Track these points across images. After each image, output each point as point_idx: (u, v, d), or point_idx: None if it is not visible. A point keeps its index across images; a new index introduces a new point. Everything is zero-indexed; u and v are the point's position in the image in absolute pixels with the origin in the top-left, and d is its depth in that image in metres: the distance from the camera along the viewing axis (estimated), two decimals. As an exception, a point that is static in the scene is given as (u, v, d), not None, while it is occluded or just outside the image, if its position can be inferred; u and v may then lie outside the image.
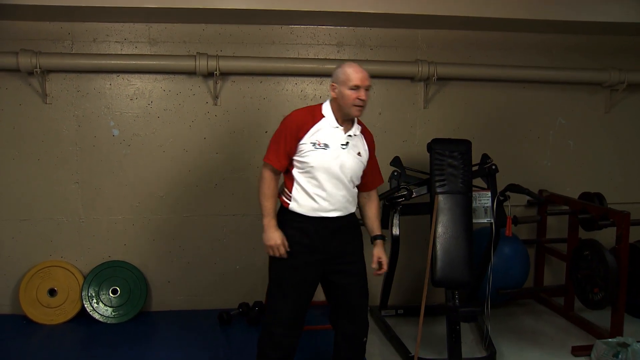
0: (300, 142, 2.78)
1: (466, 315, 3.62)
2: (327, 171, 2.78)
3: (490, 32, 4.57)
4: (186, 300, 4.50)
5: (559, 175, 4.84)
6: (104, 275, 4.29)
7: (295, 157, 2.81)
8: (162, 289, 4.48)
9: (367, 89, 2.77)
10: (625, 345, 3.55)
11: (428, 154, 3.88)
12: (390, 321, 4.27)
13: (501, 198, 3.92)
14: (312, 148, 2.76)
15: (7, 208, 4.24)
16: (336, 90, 2.80)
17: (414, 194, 3.89)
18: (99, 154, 4.28)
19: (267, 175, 2.86)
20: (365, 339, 3.05)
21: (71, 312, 4.25)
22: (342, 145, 2.81)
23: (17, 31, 4.07)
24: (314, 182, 2.80)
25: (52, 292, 4.24)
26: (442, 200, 3.75)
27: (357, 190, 2.96)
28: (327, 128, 2.81)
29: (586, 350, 3.76)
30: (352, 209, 2.94)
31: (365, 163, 2.93)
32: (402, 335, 4.00)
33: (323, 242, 2.84)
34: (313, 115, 2.83)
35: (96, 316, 4.22)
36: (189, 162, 4.37)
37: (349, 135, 2.85)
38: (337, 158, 2.79)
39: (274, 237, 2.80)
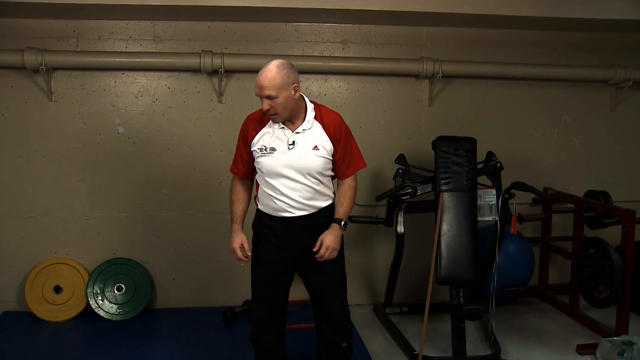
0: (252, 149, 2.78)
1: (471, 313, 3.64)
2: (278, 175, 2.73)
3: (495, 30, 4.56)
4: (191, 297, 4.51)
5: (564, 173, 4.83)
6: (109, 272, 4.30)
7: (254, 163, 2.81)
8: (167, 286, 4.49)
9: (269, 97, 2.57)
10: (630, 344, 3.54)
11: (433, 152, 3.88)
12: (394, 319, 4.27)
13: (506, 196, 3.91)
14: (260, 154, 2.74)
15: (13, 205, 4.26)
16: None
17: (419, 192, 3.88)
18: (104, 151, 4.29)
19: (232, 183, 2.95)
20: (344, 344, 2.95)
21: (76, 309, 4.26)
22: (289, 145, 2.70)
23: (23, 29, 4.08)
24: (269, 185, 2.76)
25: (57, 289, 4.25)
26: (446, 197, 3.75)
27: (327, 183, 2.83)
28: (273, 130, 2.73)
29: (591, 348, 3.75)
30: (321, 204, 2.82)
31: (330, 154, 2.75)
32: (407, 332, 4.00)
33: (292, 240, 2.81)
34: (261, 119, 2.79)
35: (101, 313, 4.23)
36: (194, 160, 4.38)
37: (297, 133, 2.71)
38: (286, 160, 2.70)
39: (232, 242, 2.85)
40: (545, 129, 4.79)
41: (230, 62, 4.16)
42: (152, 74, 4.26)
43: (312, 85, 4.42)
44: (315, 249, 2.75)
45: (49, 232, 4.31)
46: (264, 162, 2.73)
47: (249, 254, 2.84)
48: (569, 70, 4.60)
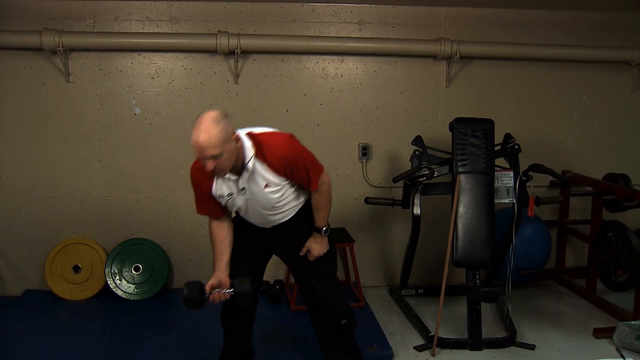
0: (211, 195, 2.73)
1: (487, 296, 3.62)
2: (242, 210, 2.79)
3: (514, 10, 4.50)
4: (207, 277, 4.46)
5: (583, 155, 4.78)
6: (126, 252, 4.34)
7: None
8: (184, 266, 4.53)
9: (213, 158, 2.41)
10: (648, 328, 3.52)
11: (450, 133, 3.85)
12: (410, 301, 4.27)
13: (524, 178, 3.88)
14: (221, 199, 2.72)
15: (32, 186, 4.30)
16: None
17: (436, 174, 3.86)
18: (121, 132, 4.31)
19: (209, 228, 2.86)
20: (344, 320, 2.94)
21: (95, 288, 4.32)
22: (240, 191, 2.65)
23: (40, 10, 4.09)
24: (242, 217, 2.86)
25: (76, 269, 4.31)
26: (464, 179, 3.73)
27: (295, 198, 2.79)
28: (222, 180, 2.67)
29: (608, 332, 3.73)
30: (290, 215, 2.82)
31: (284, 182, 2.65)
32: (422, 314, 4.01)
33: (264, 229, 2.87)
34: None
35: (119, 293, 4.29)
36: (210, 141, 4.38)
37: (242, 178, 2.62)
38: (246, 201, 2.70)
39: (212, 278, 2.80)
40: (565, 111, 4.72)
41: (247, 42, 4.14)
42: (168, 55, 4.26)
43: (328, 66, 4.39)
44: (302, 254, 2.87)
45: (67, 213, 4.36)
46: (228, 204, 2.75)
47: (227, 296, 2.77)
48: (590, 51, 4.53)
